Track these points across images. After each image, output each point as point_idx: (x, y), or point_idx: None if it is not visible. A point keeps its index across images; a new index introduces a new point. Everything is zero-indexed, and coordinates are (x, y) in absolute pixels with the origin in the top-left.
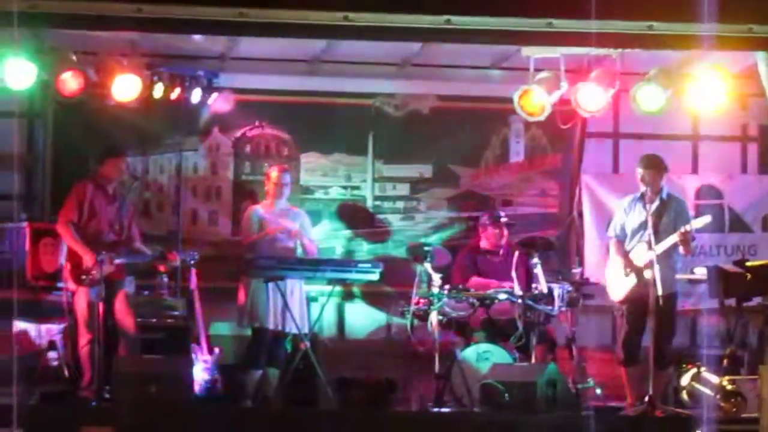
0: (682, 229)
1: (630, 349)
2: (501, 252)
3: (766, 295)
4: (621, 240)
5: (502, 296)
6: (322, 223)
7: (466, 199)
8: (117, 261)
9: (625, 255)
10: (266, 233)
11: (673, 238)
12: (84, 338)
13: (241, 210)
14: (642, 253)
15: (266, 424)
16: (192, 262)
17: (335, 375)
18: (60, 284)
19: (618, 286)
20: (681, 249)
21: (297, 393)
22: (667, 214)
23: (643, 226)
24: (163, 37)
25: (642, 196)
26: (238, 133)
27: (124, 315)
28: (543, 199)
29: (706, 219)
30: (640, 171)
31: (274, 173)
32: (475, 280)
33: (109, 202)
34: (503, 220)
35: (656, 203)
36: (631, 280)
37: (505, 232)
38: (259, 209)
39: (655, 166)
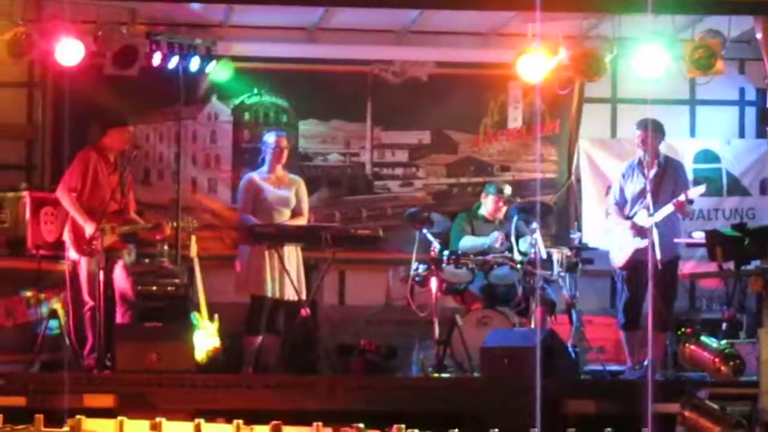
0: (675, 201)
1: (630, 314)
2: (497, 222)
3: (765, 258)
4: (621, 206)
5: (501, 261)
6: (321, 190)
7: (464, 166)
8: (120, 230)
9: (629, 219)
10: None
11: (669, 208)
12: (86, 305)
13: (240, 178)
14: (643, 219)
15: (267, 390)
16: (191, 229)
17: (335, 342)
18: (61, 253)
19: (620, 251)
20: (679, 214)
21: (297, 360)
22: (666, 180)
23: (642, 192)
24: (162, 6)
25: (640, 162)
26: (237, 101)
27: (123, 284)
28: (541, 164)
29: (701, 189)
30: (640, 134)
31: (271, 138)
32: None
33: (111, 172)
34: (507, 193)
35: (655, 169)
36: (633, 246)
37: (504, 206)
38: (255, 177)
39: (655, 129)
